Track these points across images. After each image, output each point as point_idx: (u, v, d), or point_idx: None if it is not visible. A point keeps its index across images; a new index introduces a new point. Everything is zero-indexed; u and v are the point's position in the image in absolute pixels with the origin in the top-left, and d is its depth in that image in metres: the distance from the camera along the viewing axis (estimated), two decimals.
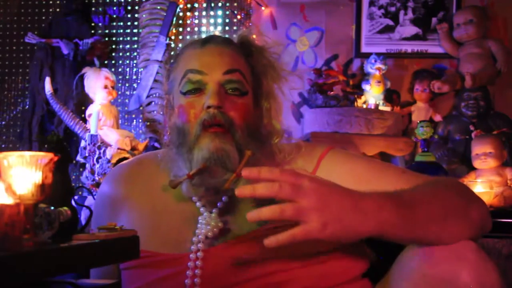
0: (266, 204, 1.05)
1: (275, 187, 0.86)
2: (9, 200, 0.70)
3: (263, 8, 3.51)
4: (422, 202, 0.93)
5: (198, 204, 1.09)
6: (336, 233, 0.85)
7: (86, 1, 3.64)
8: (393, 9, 3.49)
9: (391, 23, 3.49)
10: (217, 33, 3.54)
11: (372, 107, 3.12)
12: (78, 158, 2.98)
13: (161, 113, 3.36)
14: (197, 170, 1.03)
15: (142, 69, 3.50)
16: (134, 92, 3.51)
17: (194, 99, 1.07)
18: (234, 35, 1.17)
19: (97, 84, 3.04)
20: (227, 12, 3.56)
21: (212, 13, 3.57)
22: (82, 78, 3.11)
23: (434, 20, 3.46)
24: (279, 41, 1.21)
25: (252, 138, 1.08)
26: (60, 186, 0.89)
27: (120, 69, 3.61)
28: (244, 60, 1.12)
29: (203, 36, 1.16)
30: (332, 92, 3.13)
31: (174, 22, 3.47)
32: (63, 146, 1.05)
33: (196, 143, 1.05)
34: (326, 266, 1.04)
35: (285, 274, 1.02)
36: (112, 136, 2.93)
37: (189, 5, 3.57)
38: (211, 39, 1.12)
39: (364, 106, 3.15)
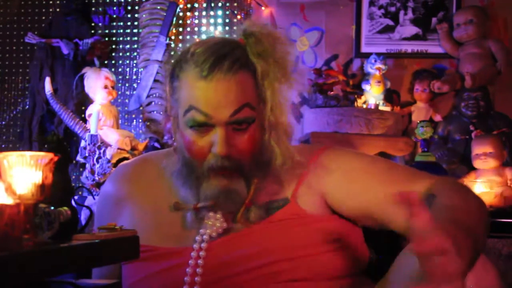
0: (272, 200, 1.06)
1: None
2: (9, 200, 0.71)
3: (263, 8, 3.51)
4: (473, 228, 0.87)
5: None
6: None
7: (86, 1, 3.64)
8: (393, 9, 3.49)
9: (391, 23, 3.48)
10: (217, 33, 3.54)
11: (372, 107, 3.12)
12: (78, 158, 2.98)
13: (161, 113, 3.36)
14: (204, 205, 1.05)
15: (142, 69, 3.50)
16: (134, 92, 3.51)
17: (200, 136, 1.04)
18: (238, 27, 1.10)
19: (97, 84, 3.04)
20: (227, 12, 3.55)
21: (212, 13, 3.56)
22: (82, 78, 3.11)
23: (434, 20, 3.45)
24: (287, 35, 1.16)
25: (258, 165, 1.07)
26: (60, 186, 0.89)
27: (120, 69, 3.61)
28: (251, 76, 1.05)
29: (204, 36, 1.13)
30: (332, 92, 3.13)
31: (174, 22, 3.46)
32: (63, 146, 1.06)
33: (204, 179, 1.05)
34: (324, 258, 1.05)
35: (284, 264, 1.03)
36: (112, 136, 2.93)
37: (189, 5, 3.57)
38: (217, 64, 1.01)
39: (364, 106, 3.15)
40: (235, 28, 3.45)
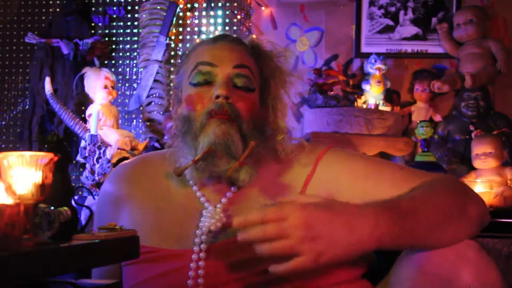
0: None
1: (259, 234, 0.86)
2: (9, 200, 0.70)
3: (263, 8, 3.51)
4: (421, 209, 0.92)
5: (202, 199, 1.10)
6: (333, 258, 0.85)
7: (86, 1, 3.64)
8: (393, 9, 3.49)
9: (391, 23, 3.48)
10: (217, 33, 3.55)
11: (372, 107, 3.12)
12: (78, 158, 2.98)
13: (161, 113, 3.36)
14: (202, 154, 1.06)
15: (142, 69, 3.50)
16: (134, 92, 3.51)
17: (203, 90, 1.09)
18: (244, 40, 1.20)
19: (97, 84, 3.04)
20: (227, 12, 3.55)
21: (212, 13, 3.56)
22: (82, 78, 3.11)
23: (434, 20, 3.45)
24: (287, 47, 1.23)
25: (257, 131, 1.10)
26: (60, 186, 0.89)
27: (120, 69, 3.61)
28: (253, 61, 1.15)
29: (210, 36, 1.19)
30: (332, 92, 3.12)
31: (174, 22, 3.46)
32: (63, 146, 1.06)
33: (202, 130, 1.07)
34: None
35: None
36: (112, 136, 2.93)
37: (189, 5, 3.57)
38: (222, 37, 1.17)
39: (364, 106, 3.15)
40: (234, 27, 3.46)
